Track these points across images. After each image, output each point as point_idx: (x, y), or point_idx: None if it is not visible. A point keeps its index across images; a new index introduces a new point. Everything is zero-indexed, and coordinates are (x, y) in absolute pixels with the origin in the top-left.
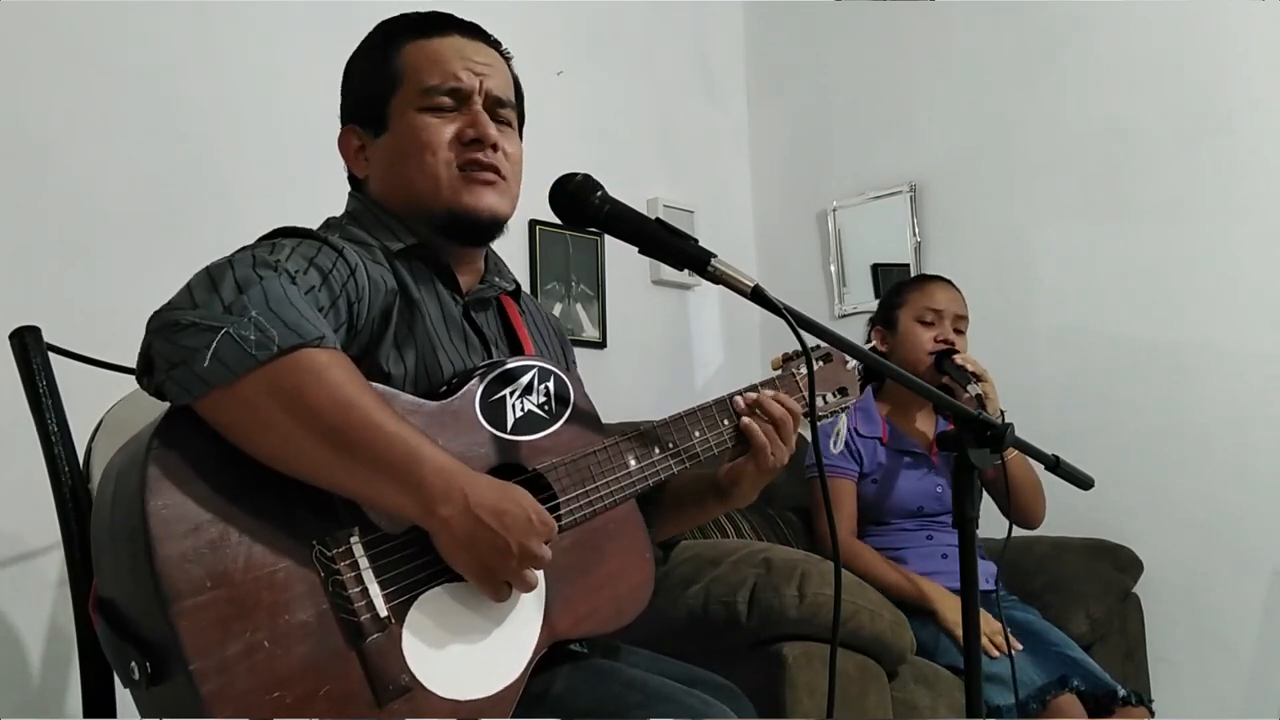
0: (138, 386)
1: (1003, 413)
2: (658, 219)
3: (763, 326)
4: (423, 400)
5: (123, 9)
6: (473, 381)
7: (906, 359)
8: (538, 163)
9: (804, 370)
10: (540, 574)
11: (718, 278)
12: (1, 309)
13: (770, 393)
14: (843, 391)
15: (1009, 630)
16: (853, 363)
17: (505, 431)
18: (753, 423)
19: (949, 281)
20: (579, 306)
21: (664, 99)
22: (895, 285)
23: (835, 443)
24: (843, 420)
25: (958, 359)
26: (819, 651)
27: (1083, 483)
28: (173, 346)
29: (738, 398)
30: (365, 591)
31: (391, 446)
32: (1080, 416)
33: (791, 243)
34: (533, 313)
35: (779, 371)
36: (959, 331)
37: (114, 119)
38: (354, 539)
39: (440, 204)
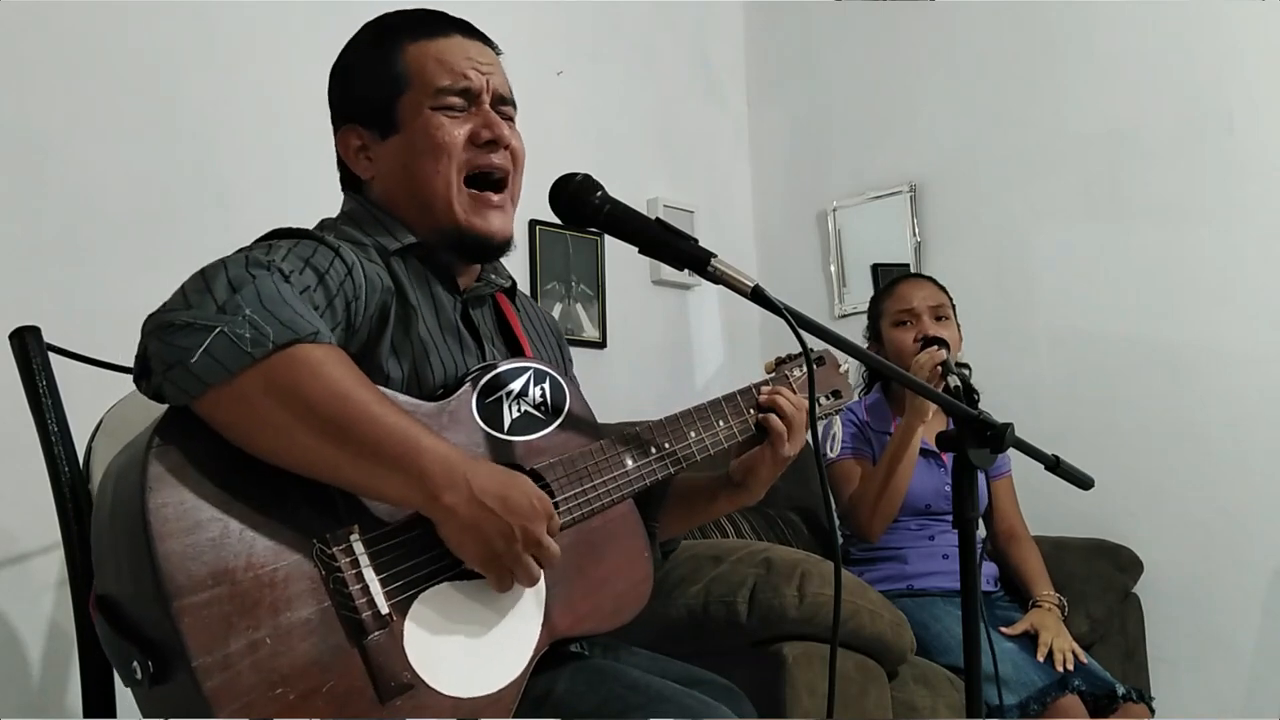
0: None
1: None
2: (658, 219)
3: (763, 326)
4: (419, 401)
5: (123, 9)
6: (468, 384)
7: (899, 366)
8: (538, 163)
9: (796, 373)
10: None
11: (718, 278)
12: (1, 309)
13: (786, 391)
14: (835, 394)
15: (1007, 631)
16: (845, 365)
17: (502, 432)
18: (769, 415)
19: (918, 276)
20: (579, 306)
21: (664, 99)
22: (872, 298)
23: (832, 446)
24: (837, 423)
25: (921, 358)
26: (819, 651)
27: (1083, 483)
28: (168, 348)
29: (761, 390)
30: (366, 589)
31: (391, 437)
32: (1080, 416)
33: (791, 243)
34: (528, 311)
35: (772, 374)
36: (942, 319)
37: (114, 119)
38: (354, 536)
39: (450, 220)
